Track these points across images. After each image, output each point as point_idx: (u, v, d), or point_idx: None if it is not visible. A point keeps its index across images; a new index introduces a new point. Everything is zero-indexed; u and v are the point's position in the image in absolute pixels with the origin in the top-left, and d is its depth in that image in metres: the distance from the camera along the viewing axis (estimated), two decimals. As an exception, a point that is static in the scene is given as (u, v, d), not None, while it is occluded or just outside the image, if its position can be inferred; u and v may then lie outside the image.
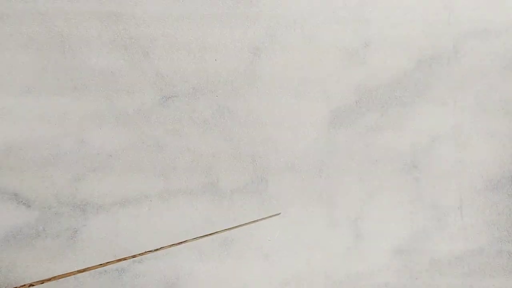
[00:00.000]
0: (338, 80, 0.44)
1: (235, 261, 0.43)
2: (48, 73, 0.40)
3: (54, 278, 0.25)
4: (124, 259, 0.29)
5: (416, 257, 0.47)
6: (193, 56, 0.41)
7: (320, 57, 0.43)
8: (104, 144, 0.42)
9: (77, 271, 0.26)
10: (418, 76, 0.44)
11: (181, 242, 0.29)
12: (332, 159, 0.45)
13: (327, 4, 0.42)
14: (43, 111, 0.41)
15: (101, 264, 0.28)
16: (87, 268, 0.26)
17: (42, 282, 0.25)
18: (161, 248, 0.30)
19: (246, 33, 0.42)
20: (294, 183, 0.45)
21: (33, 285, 0.25)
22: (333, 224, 0.46)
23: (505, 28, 0.44)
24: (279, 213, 0.30)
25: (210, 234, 0.32)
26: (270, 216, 0.28)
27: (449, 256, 0.47)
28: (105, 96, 0.41)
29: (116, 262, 0.28)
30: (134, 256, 0.26)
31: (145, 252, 0.29)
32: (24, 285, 0.25)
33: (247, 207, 0.44)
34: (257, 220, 0.28)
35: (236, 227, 0.31)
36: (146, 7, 0.40)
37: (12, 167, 0.41)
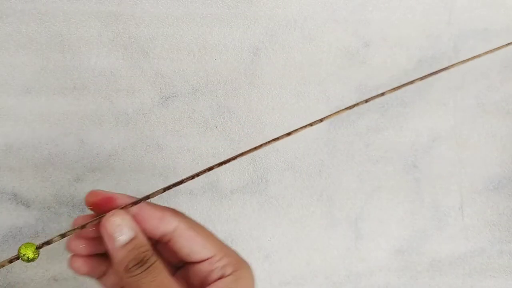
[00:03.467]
0: (338, 80, 0.44)
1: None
2: (47, 73, 0.40)
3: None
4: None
5: (417, 257, 0.47)
6: (193, 56, 0.41)
7: (320, 57, 0.43)
8: (104, 144, 0.42)
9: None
10: (418, 76, 0.44)
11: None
12: (332, 159, 0.45)
13: (327, 4, 0.42)
14: (43, 111, 0.41)
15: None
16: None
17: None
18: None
19: (246, 33, 0.42)
20: (294, 183, 0.45)
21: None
22: (333, 224, 0.45)
23: (505, 28, 0.44)
24: None
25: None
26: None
27: (450, 257, 0.47)
28: (105, 96, 0.41)
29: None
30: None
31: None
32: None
33: (247, 207, 0.44)
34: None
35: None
36: (146, 7, 0.40)
37: (12, 167, 0.41)
